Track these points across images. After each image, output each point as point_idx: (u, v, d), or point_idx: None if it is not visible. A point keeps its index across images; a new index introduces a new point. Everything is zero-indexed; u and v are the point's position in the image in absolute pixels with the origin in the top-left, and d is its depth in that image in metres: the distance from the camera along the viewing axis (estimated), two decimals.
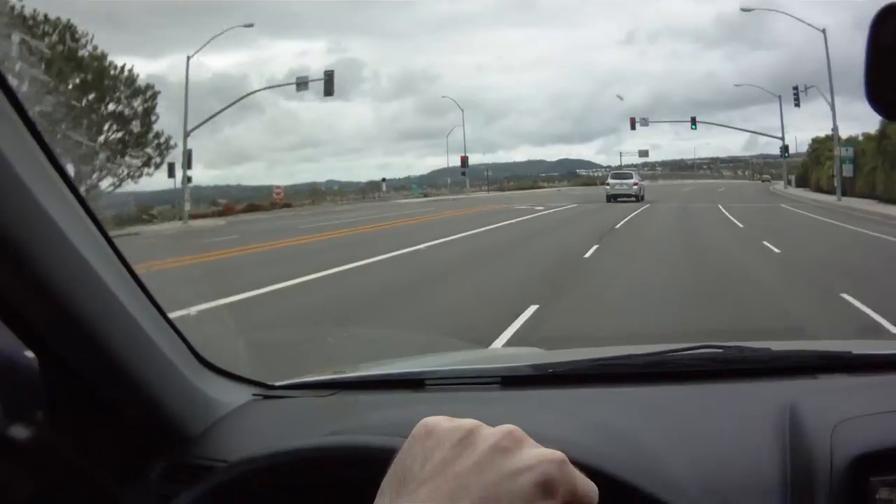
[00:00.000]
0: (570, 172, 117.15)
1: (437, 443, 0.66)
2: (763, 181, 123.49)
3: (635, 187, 45.95)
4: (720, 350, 1.72)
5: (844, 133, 44.70)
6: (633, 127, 62.78)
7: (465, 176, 76.95)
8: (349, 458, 1.24)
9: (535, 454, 0.65)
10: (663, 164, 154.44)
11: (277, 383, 1.78)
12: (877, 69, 1.02)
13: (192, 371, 1.53)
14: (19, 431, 1.26)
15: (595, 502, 0.67)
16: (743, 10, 43.80)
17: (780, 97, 55.64)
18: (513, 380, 1.71)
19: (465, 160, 74.94)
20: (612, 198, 44.79)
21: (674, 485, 1.22)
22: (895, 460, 1.18)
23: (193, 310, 6.99)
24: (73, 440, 1.34)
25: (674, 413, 1.49)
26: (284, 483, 1.27)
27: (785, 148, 57.57)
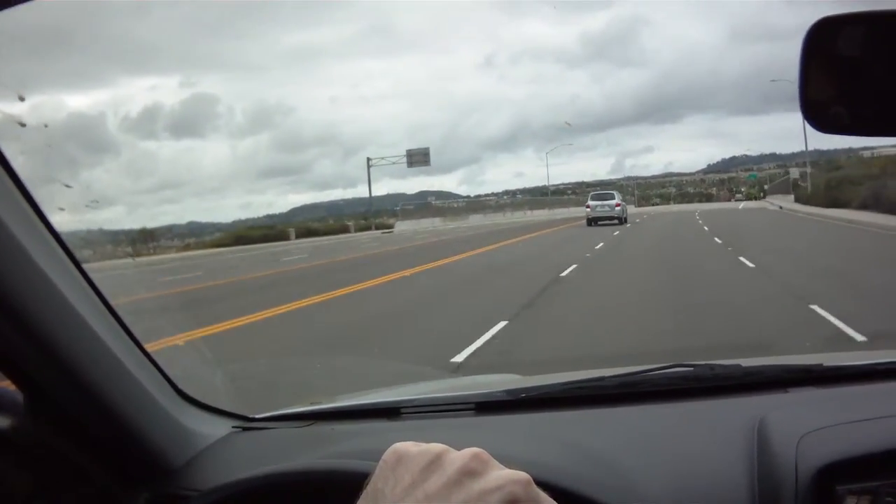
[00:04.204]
0: (424, 204, 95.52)
1: (407, 467, 0.68)
2: (736, 200, 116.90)
3: (618, 208, 44.16)
4: (690, 368, 1.73)
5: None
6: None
7: None
8: (321, 482, 1.26)
9: (502, 475, 0.68)
10: (524, 191, 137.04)
11: (256, 415, 1.80)
12: (810, 83, 1.05)
13: (172, 405, 1.55)
14: (5, 464, 1.28)
15: None
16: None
17: None
18: (486, 406, 1.73)
19: None
20: (593, 221, 43.02)
21: (644, 501, 1.25)
22: (860, 469, 1.20)
23: None
24: (59, 472, 1.36)
25: (645, 432, 1.51)
26: None
27: None
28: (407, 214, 78.43)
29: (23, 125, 1.52)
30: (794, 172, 66.01)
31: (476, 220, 73.72)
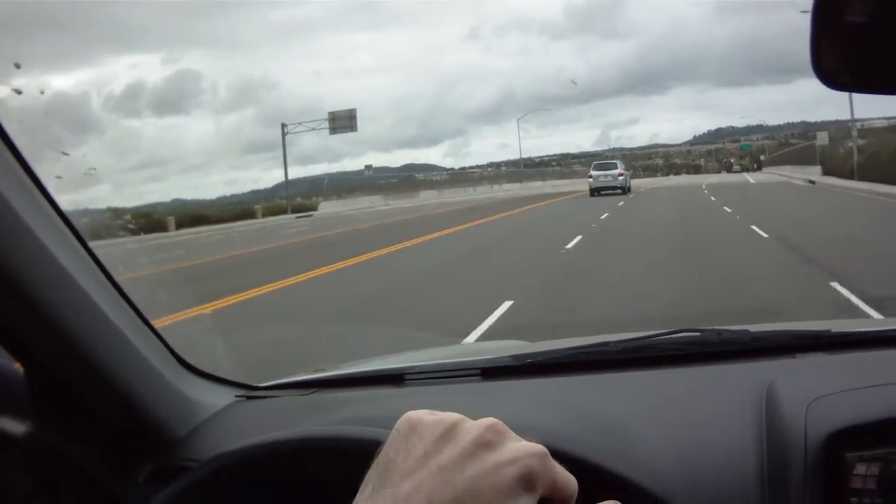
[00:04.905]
0: (409, 178, 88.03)
1: (420, 437, 0.66)
2: (734, 171, 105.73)
3: (621, 178, 44.00)
4: (697, 333, 1.72)
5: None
6: None
7: None
8: (325, 450, 1.24)
9: (518, 448, 0.66)
10: (509, 163, 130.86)
11: (260, 384, 1.79)
12: (820, 40, 1.02)
13: (175, 375, 1.54)
14: (8, 439, 1.27)
15: (574, 494, 0.67)
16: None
17: None
18: (492, 371, 1.72)
19: None
20: (596, 191, 42.81)
21: (651, 468, 1.25)
22: (870, 435, 1.19)
23: None
24: (61, 446, 1.36)
25: (652, 397, 1.50)
26: (263, 477, 1.28)
27: None
28: (338, 192, 65.80)
29: (19, 93, 1.51)
30: (823, 138, 52.68)
31: (427, 197, 64.28)
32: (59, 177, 1.53)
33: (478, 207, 38.27)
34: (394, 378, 1.76)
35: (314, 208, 55.46)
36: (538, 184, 79.38)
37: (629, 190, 43.74)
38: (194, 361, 1.64)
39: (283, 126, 66.25)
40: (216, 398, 1.66)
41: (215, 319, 9.49)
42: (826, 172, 42.40)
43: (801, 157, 54.76)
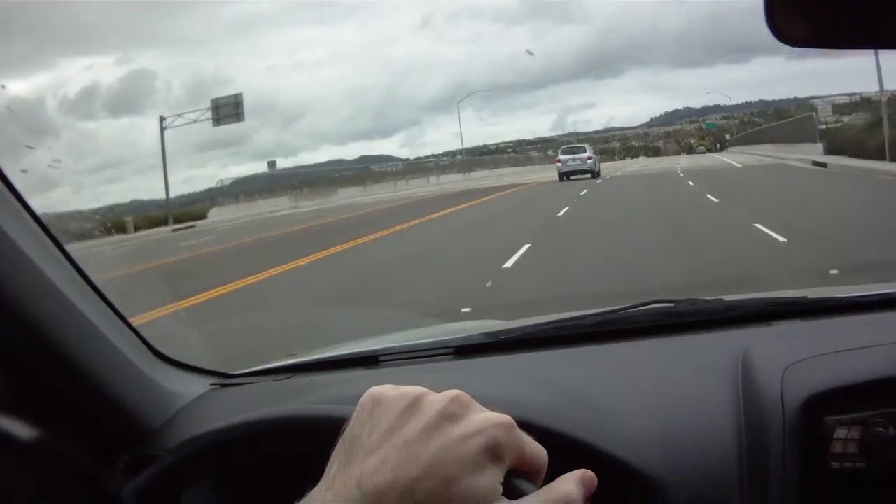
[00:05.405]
0: (365, 169, 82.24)
1: (384, 411, 0.66)
2: (700, 152, 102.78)
3: (590, 161, 43.96)
4: (672, 304, 1.72)
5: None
6: None
7: None
8: (298, 429, 1.22)
9: (482, 418, 0.65)
10: (465, 151, 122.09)
11: (235, 372, 1.79)
12: None
13: (148, 366, 1.53)
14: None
15: (544, 465, 0.67)
16: None
17: None
18: (466, 349, 1.71)
19: None
20: (565, 175, 42.82)
21: (627, 439, 1.24)
22: (848, 399, 1.19)
23: None
24: (38, 440, 1.34)
25: (627, 369, 1.50)
26: (234, 459, 1.26)
27: None
28: (244, 194, 57.61)
29: None
30: (826, 109, 47.28)
31: (349, 194, 56.66)
32: (24, 170, 1.51)
33: (385, 213, 29.76)
34: (368, 360, 1.76)
35: (200, 217, 46.69)
36: (486, 173, 75.21)
37: (598, 174, 43.76)
38: (168, 352, 1.63)
39: (162, 119, 55.46)
40: (191, 387, 1.65)
41: None
42: (832, 151, 32.57)
43: (790, 134, 45.30)
